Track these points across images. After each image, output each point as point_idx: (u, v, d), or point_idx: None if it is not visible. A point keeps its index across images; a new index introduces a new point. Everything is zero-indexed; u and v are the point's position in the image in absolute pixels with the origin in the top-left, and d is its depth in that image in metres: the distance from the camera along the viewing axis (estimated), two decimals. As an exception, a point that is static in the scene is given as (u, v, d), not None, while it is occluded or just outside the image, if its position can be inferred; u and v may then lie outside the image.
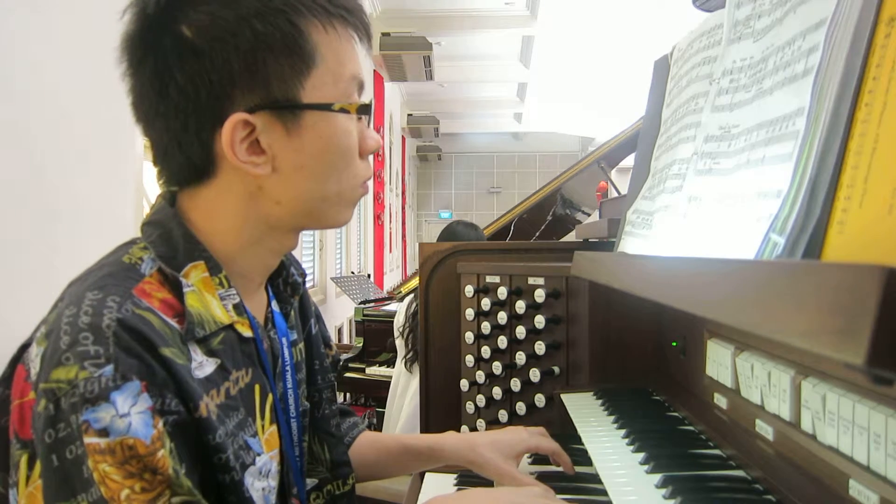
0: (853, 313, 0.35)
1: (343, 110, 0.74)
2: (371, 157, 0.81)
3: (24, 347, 0.69)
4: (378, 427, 3.53)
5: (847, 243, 0.50)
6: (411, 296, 2.70)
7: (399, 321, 2.68)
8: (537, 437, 1.05)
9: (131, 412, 0.61)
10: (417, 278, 2.65)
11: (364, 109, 0.76)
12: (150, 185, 2.80)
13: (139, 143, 2.49)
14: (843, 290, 0.36)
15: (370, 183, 0.82)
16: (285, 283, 0.88)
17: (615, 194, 2.46)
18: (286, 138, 0.72)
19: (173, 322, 0.68)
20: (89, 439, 0.59)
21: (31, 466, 0.63)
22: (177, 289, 0.70)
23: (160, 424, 0.62)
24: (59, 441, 0.60)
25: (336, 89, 0.74)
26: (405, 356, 2.62)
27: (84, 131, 2.15)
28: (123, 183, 2.43)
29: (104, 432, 0.60)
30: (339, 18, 0.74)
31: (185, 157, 0.73)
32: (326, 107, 0.73)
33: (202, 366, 0.69)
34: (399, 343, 2.67)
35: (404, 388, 2.66)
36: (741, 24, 0.81)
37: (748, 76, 0.76)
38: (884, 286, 0.33)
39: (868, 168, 0.50)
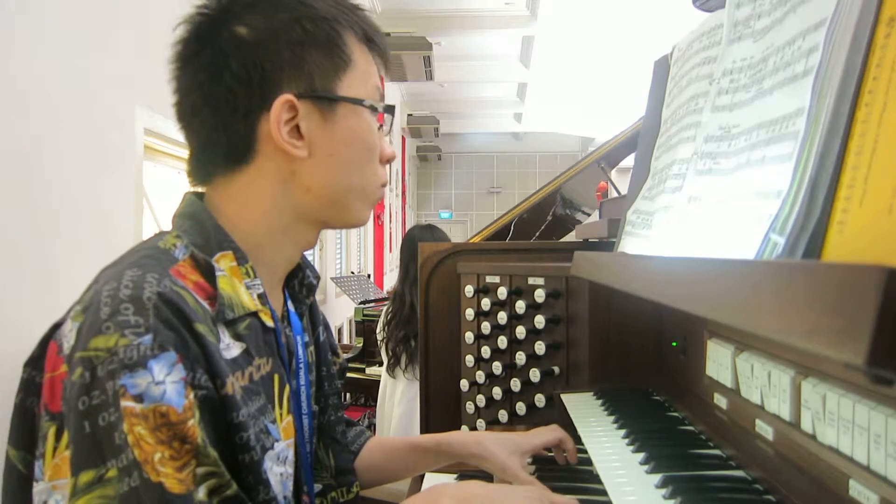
0: (853, 313, 0.35)
1: (372, 107, 0.83)
2: (387, 167, 0.89)
3: (56, 326, 0.71)
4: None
5: (847, 243, 0.50)
6: (388, 303, 2.71)
7: (379, 328, 2.70)
8: (543, 437, 1.08)
9: (166, 381, 0.63)
10: (397, 280, 2.66)
11: (389, 109, 0.86)
12: (150, 185, 2.80)
13: (139, 143, 2.49)
14: (843, 290, 0.36)
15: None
16: (301, 284, 0.92)
17: (615, 194, 2.46)
18: (322, 126, 0.79)
19: (205, 303, 0.71)
20: (125, 403, 0.61)
21: (58, 438, 0.65)
22: (209, 273, 0.74)
23: (191, 395, 0.65)
24: (93, 408, 0.62)
25: (365, 91, 0.83)
26: (388, 363, 2.63)
27: (84, 132, 2.15)
28: (123, 183, 2.43)
29: (139, 398, 0.62)
30: (368, 41, 0.84)
31: (229, 141, 0.78)
32: (359, 101, 0.82)
33: (229, 348, 0.73)
34: (382, 351, 2.69)
35: (392, 391, 2.67)
36: (741, 25, 0.81)
37: (748, 76, 0.76)
38: (884, 286, 0.33)
39: (868, 168, 0.50)
